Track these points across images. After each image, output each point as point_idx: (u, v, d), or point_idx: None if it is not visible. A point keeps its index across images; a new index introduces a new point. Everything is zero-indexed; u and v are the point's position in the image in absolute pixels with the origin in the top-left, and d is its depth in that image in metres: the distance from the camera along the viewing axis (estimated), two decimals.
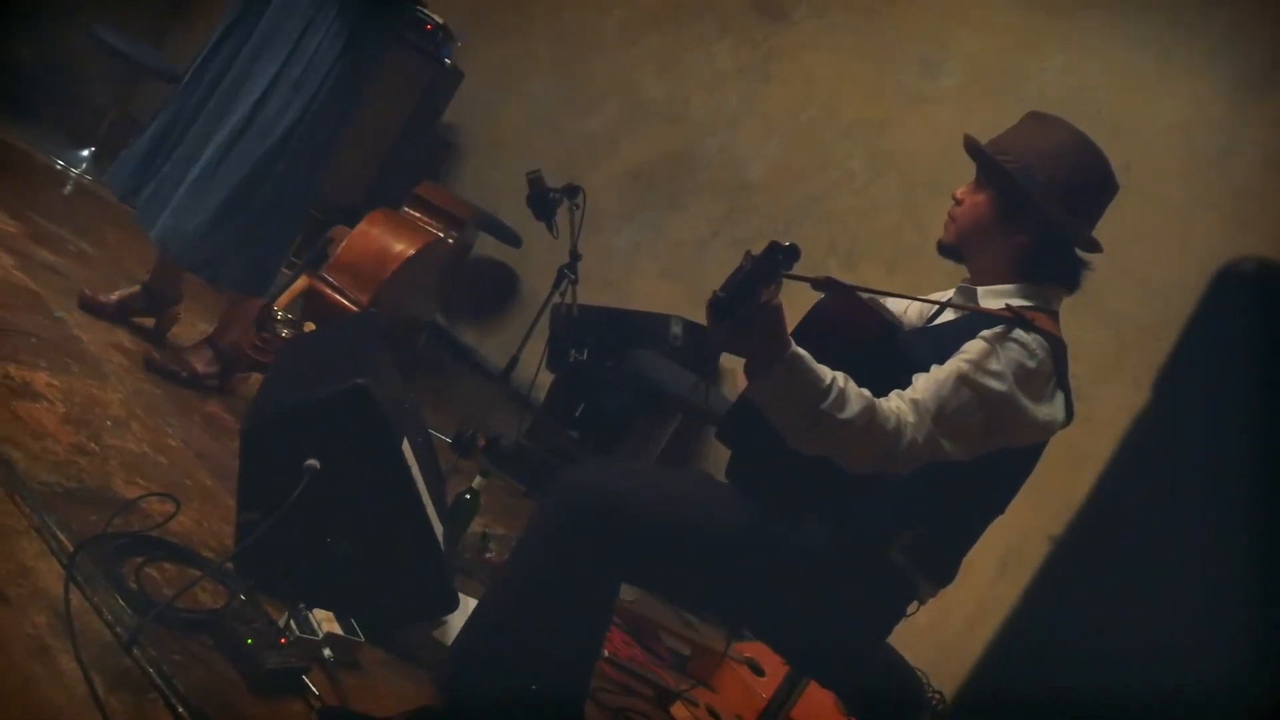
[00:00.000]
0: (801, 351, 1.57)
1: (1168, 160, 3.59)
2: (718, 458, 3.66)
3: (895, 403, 1.63)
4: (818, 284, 1.60)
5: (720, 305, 1.46)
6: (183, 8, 5.64)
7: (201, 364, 2.88)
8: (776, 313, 1.50)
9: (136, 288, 3.02)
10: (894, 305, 2.06)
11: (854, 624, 1.82)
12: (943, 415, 1.63)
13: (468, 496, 2.64)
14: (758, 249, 1.48)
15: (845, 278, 1.79)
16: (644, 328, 3.89)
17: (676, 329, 3.85)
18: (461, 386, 4.71)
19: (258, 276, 2.86)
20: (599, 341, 3.80)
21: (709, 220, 4.55)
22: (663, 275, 4.59)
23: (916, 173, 4.07)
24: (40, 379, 2.37)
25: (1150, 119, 3.67)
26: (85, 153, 4.42)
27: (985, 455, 1.70)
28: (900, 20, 4.34)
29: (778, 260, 1.43)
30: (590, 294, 3.94)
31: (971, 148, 1.89)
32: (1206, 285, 0.64)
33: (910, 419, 1.61)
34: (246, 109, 2.68)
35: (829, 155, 4.39)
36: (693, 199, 4.62)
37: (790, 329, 1.61)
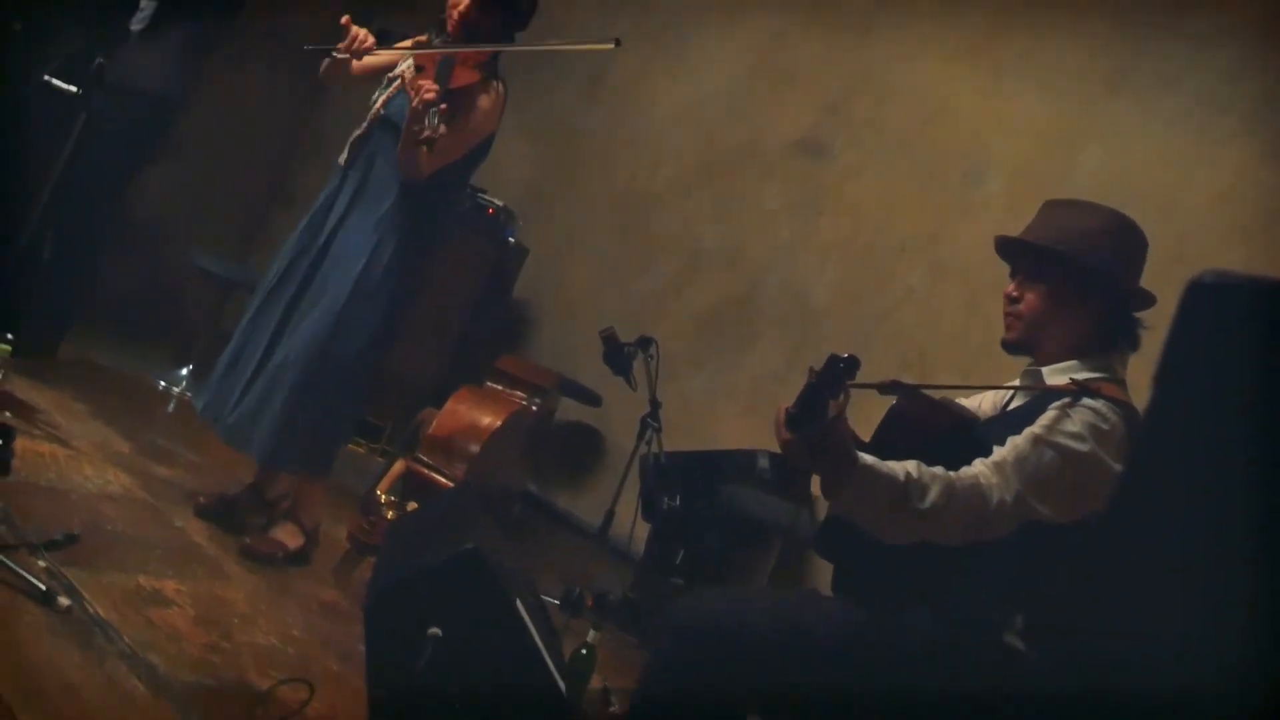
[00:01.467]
0: (870, 460, 1.64)
1: (1220, 228, 3.63)
2: (823, 579, 3.65)
3: (977, 468, 1.69)
4: (884, 389, 1.68)
5: (792, 419, 1.55)
6: (265, 223, 6.04)
7: (290, 540, 3.04)
8: (841, 429, 1.59)
9: (244, 488, 3.20)
10: (969, 403, 2.12)
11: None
12: (1024, 472, 1.68)
13: (584, 652, 2.67)
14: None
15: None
16: (731, 466, 3.95)
17: (763, 462, 3.90)
18: (561, 549, 4.78)
19: (321, 458, 3.03)
20: (689, 486, 3.86)
21: (780, 353, 4.64)
22: (743, 414, 4.67)
23: (974, 277, 4.14)
24: (169, 586, 2.50)
25: (1196, 192, 3.73)
26: (184, 371, 4.69)
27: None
28: (937, 139, 4.49)
29: (840, 370, 1.53)
30: (674, 441, 4.02)
31: (1014, 245, 1.98)
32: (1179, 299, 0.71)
33: (994, 479, 1.67)
34: (316, 328, 2.89)
35: (887, 274, 4.48)
36: (762, 335, 4.73)
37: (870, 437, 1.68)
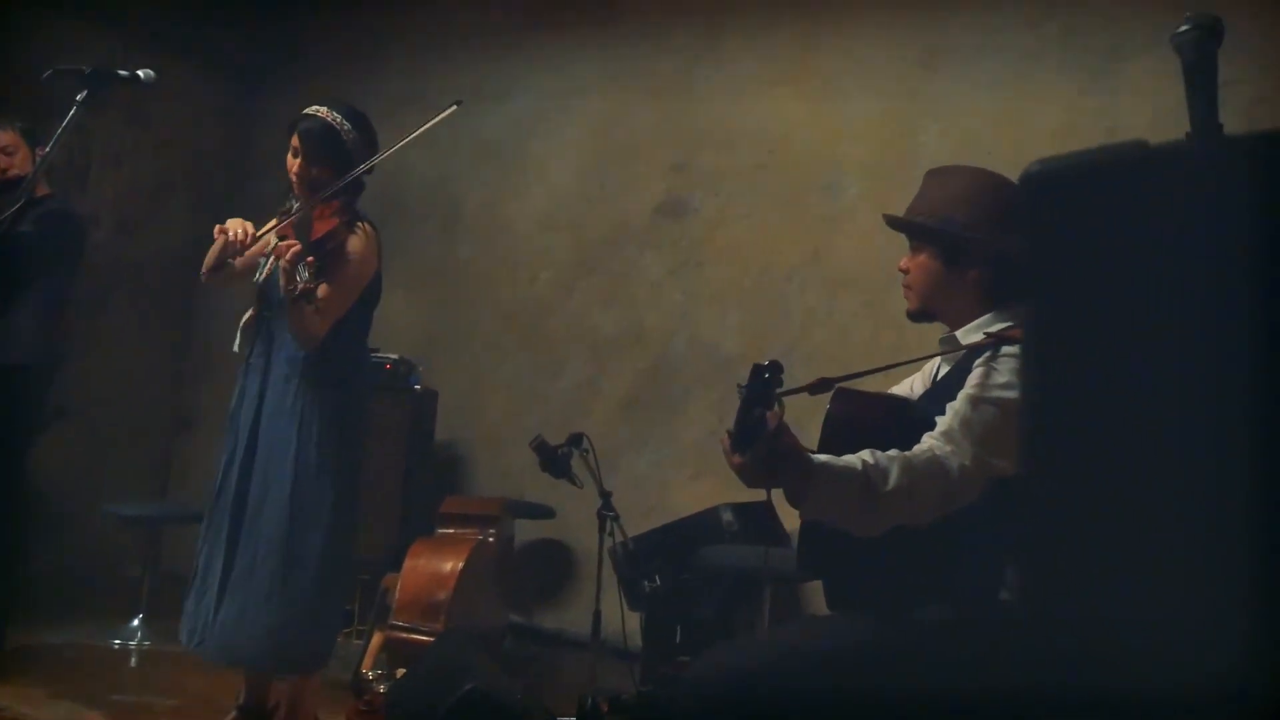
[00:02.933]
0: (824, 458, 1.66)
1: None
2: (819, 605, 3.64)
3: (926, 443, 1.71)
4: (814, 389, 1.71)
5: (735, 441, 1.56)
6: (171, 453, 5.92)
7: None
8: (786, 436, 1.60)
9: (233, 714, 3.08)
10: (901, 390, 2.17)
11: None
12: (973, 433, 1.71)
13: None
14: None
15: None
16: (697, 529, 3.95)
17: (727, 515, 3.91)
18: (562, 667, 4.68)
19: (314, 654, 2.95)
20: (664, 562, 3.84)
21: (709, 409, 4.68)
22: (694, 478, 4.67)
23: (866, 282, 4.26)
24: None
25: (1034, 135, 3.94)
26: (135, 622, 4.54)
27: None
28: (786, 164, 4.64)
29: (765, 379, 1.55)
30: (639, 524, 4.01)
31: (892, 222, 2.05)
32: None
33: (947, 448, 1.69)
34: (272, 525, 2.83)
35: (784, 303, 4.58)
36: (687, 398, 4.77)
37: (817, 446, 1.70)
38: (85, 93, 2.65)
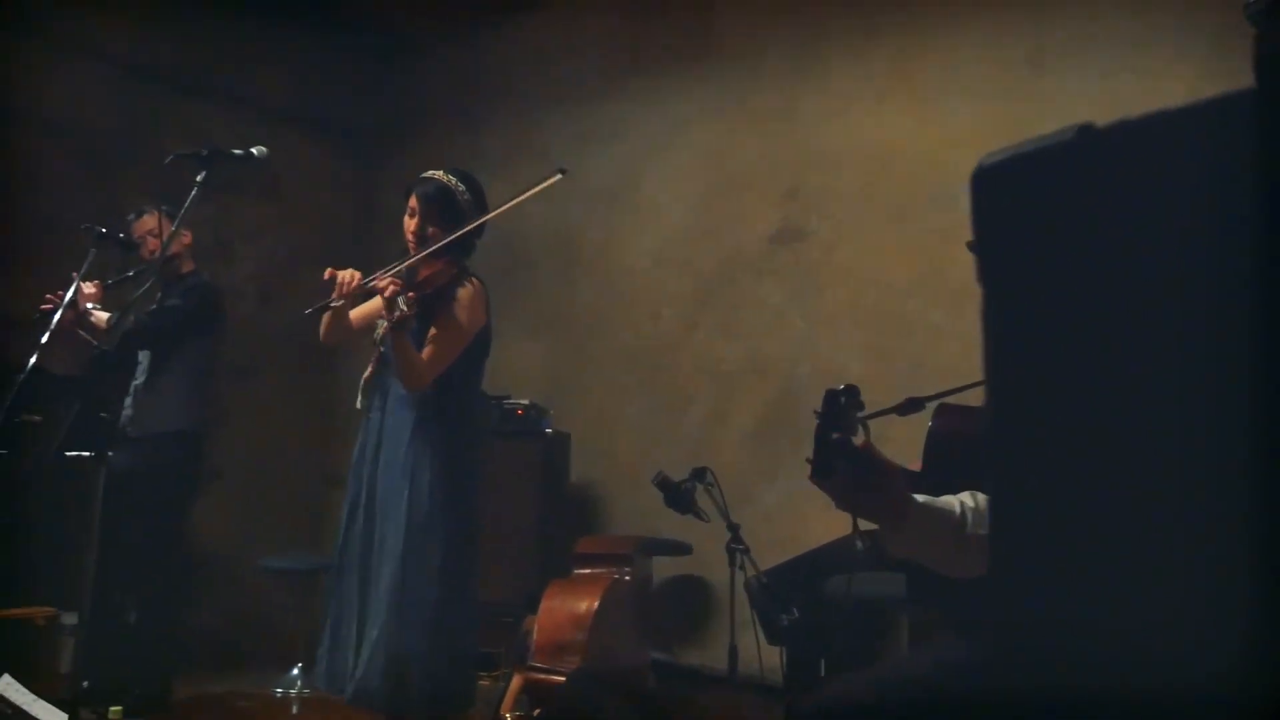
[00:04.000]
0: (921, 497, 1.60)
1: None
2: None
3: None
4: (903, 409, 1.65)
5: (814, 467, 1.51)
6: (321, 506, 6.16)
7: None
8: (873, 463, 1.54)
9: None
10: None
11: None
12: None
13: None
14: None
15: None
16: (830, 559, 3.87)
17: (859, 543, 3.81)
18: (709, 704, 4.65)
19: (450, 696, 3.00)
20: (800, 594, 3.78)
21: None
22: (826, 507, 4.57)
23: (978, 292, 4.13)
24: None
25: None
26: (295, 671, 4.73)
27: None
28: (895, 178, 4.57)
29: (841, 404, 1.49)
30: (776, 556, 3.96)
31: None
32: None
33: None
34: (389, 574, 2.91)
35: (907, 320, 4.48)
36: (813, 426, 4.70)
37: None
38: (204, 173, 2.82)
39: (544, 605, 3.89)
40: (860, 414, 1.52)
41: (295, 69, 6.12)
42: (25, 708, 2.72)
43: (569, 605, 3.87)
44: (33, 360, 3.41)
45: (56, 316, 3.60)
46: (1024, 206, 0.71)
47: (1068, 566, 0.70)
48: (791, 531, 4.60)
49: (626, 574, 4.34)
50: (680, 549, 4.80)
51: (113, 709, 3.55)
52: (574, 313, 5.63)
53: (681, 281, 5.25)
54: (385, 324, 2.97)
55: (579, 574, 4.31)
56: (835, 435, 1.49)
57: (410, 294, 2.83)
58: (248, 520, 5.60)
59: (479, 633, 3.85)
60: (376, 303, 3.03)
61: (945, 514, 1.59)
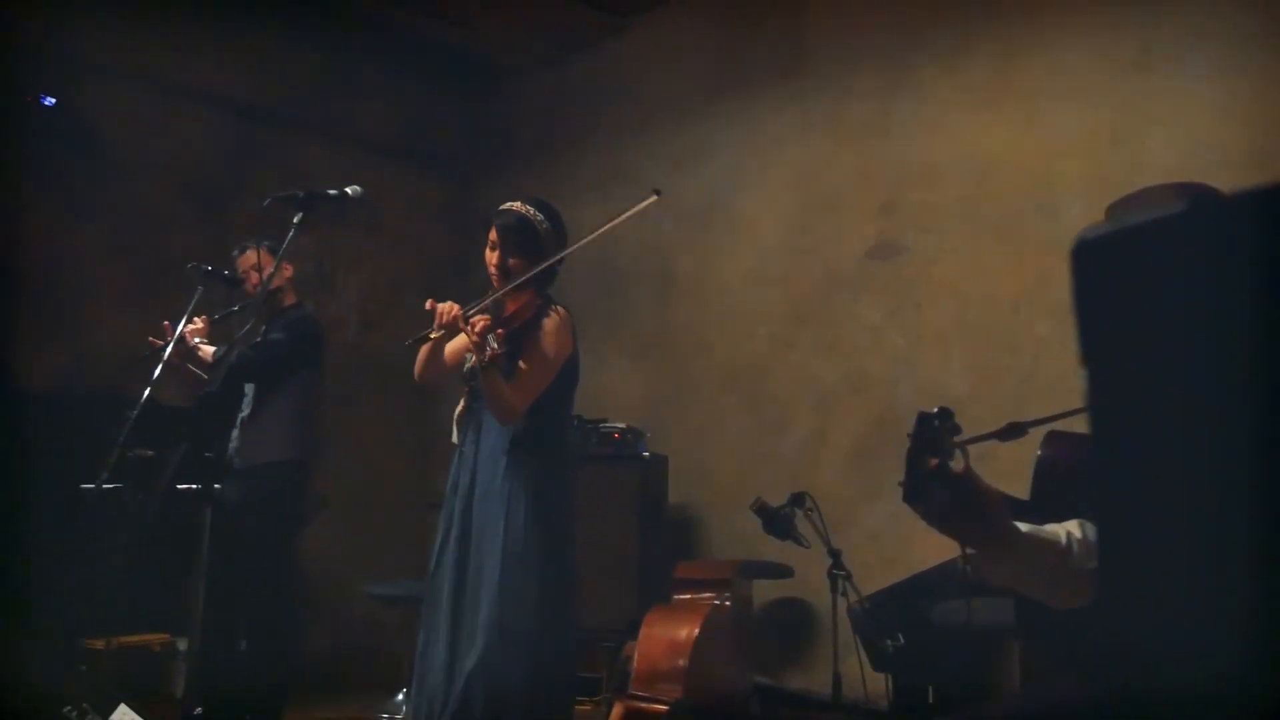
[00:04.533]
0: (1025, 526, 1.52)
1: None
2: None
3: None
4: (1004, 435, 1.58)
5: (906, 492, 1.44)
6: (421, 532, 6.24)
7: None
8: (974, 487, 1.46)
9: None
10: None
11: None
12: None
13: None
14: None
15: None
16: (935, 583, 3.76)
17: (965, 567, 3.70)
18: None
19: None
20: (905, 620, 3.68)
21: None
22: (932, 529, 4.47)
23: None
24: None
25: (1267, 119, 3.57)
26: (400, 697, 4.78)
27: None
28: (996, 188, 4.44)
29: (935, 428, 1.42)
30: (880, 579, 3.87)
31: None
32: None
33: None
34: (485, 607, 2.91)
35: (1012, 336, 4.35)
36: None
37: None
38: (300, 214, 2.87)
39: (643, 632, 3.86)
40: (957, 437, 1.44)
41: (392, 102, 6.25)
42: None
43: (669, 633, 3.83)
44: (145, 395, 3.53)
45: (167, 351, 3.74)
46: (1124, 280, 0.68)
47: (1175, 600, 0.68)
48: (895, 553, 4.49)
49: (727, 598, 4.28)
50: (781, 571, 4.72)
51: None
52: (669, 334, 5.61)
53: (777, 300, 5.19)
54: (474, 359, 2.98)
55: (678, 599, 4.27)
56: (930, 460, 1.42)
57: (499, 331, 2.83)
58: (353, 547, 5.70)
59: (578, 658, 3.85)
60: (466, 338, 3.05)
61: (1050, 544, 1.51)
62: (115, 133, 5.23)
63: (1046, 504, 1.58)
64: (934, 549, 4.28)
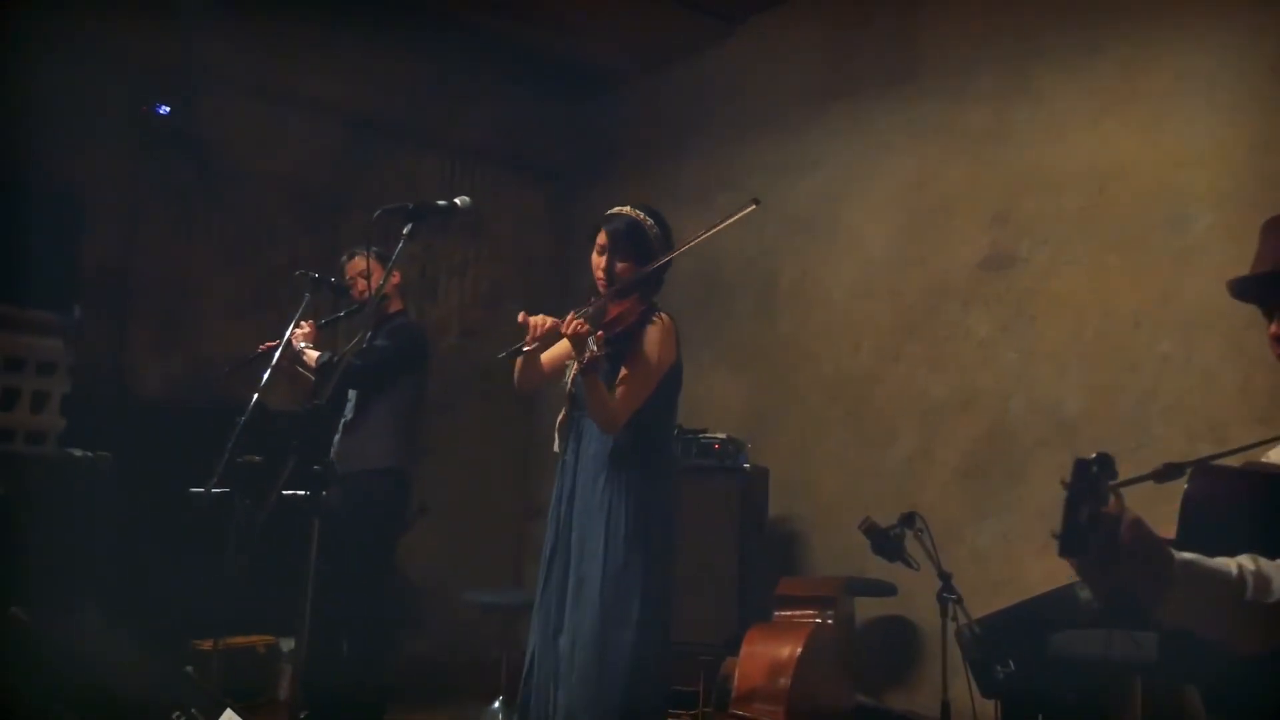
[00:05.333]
0: (1190, 556, 1.42)
1: None
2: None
3: None
4: (1160, 476, 1.47)
5: (1063, 544, 1.35)
6: (524, 541, 6.25)
7: None
8: (1133, 529, 1.37)
9: None
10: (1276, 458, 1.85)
11: None
12: None
13: None
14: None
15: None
16: (1051, 610, 3.60)
17: (1085, 594, 3.54)
18: None
19: None
20: (1017, 646, 3.54)
21: (1054, 475, 4.29)
22: (1044, 550, 4.28)
23: (1229, 321, 3.77)
24: None
25: None
26: (495, 704, 4.78)
27: None
28: (1120, 198, 4.26)
29: (1093, 475, 1.34)
30: (987, 600, 3.74)
31: (1253, 283, 1.79)
32: None
33: None
34: (587, 620, 2.88)
35: (1131, 353, 4.16)
36: (1028, 464, 4.42)
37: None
38: (410, 226, 2.88)
39: (745, 650, 3.80)
40: (1112, 482, 1.35)
41: (496, 110, 6.28)
42: None
43: (771, 651, 3.77)
44: (253, 401, 3.58)
45: (276, 355, 3.82)
46: None
47: None
48: (1005, 574, 4.34)
49: (829, 617, 4.19)
50: (885, 589, 4.60)
51: None
52: (772, 344, 5.53)
53: (884, 311, 5.07)
54: (576, 365, 2.95)
55: (780, 617, 4.20)
56: (1085, 509, 1.34)
57: (599, 334, 2.80)
58: (453, 553, 5.73)
59: (674, 671, 3.79)
60: (567, 344, 3.02)
61: (1220, 576, 1.40)
62: (226, 143, 5.35)
63: (1195, 541, 1.47)
64: (1044, 573, 4.13)
